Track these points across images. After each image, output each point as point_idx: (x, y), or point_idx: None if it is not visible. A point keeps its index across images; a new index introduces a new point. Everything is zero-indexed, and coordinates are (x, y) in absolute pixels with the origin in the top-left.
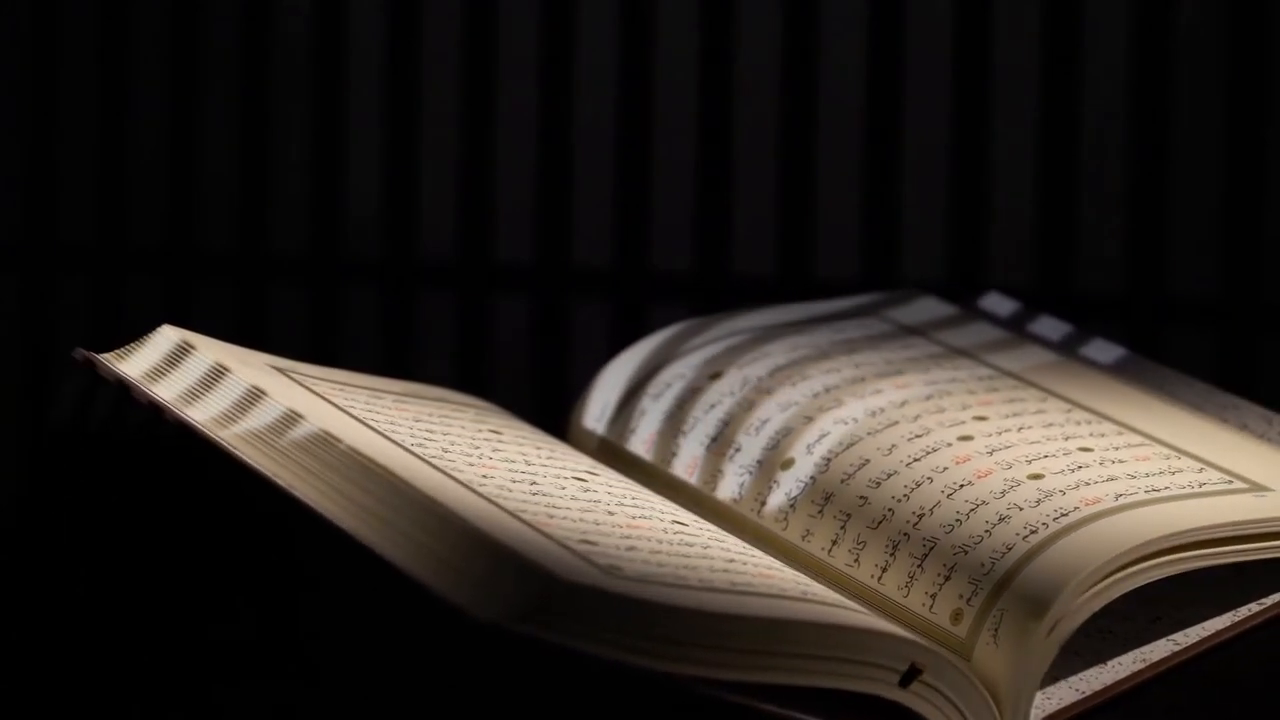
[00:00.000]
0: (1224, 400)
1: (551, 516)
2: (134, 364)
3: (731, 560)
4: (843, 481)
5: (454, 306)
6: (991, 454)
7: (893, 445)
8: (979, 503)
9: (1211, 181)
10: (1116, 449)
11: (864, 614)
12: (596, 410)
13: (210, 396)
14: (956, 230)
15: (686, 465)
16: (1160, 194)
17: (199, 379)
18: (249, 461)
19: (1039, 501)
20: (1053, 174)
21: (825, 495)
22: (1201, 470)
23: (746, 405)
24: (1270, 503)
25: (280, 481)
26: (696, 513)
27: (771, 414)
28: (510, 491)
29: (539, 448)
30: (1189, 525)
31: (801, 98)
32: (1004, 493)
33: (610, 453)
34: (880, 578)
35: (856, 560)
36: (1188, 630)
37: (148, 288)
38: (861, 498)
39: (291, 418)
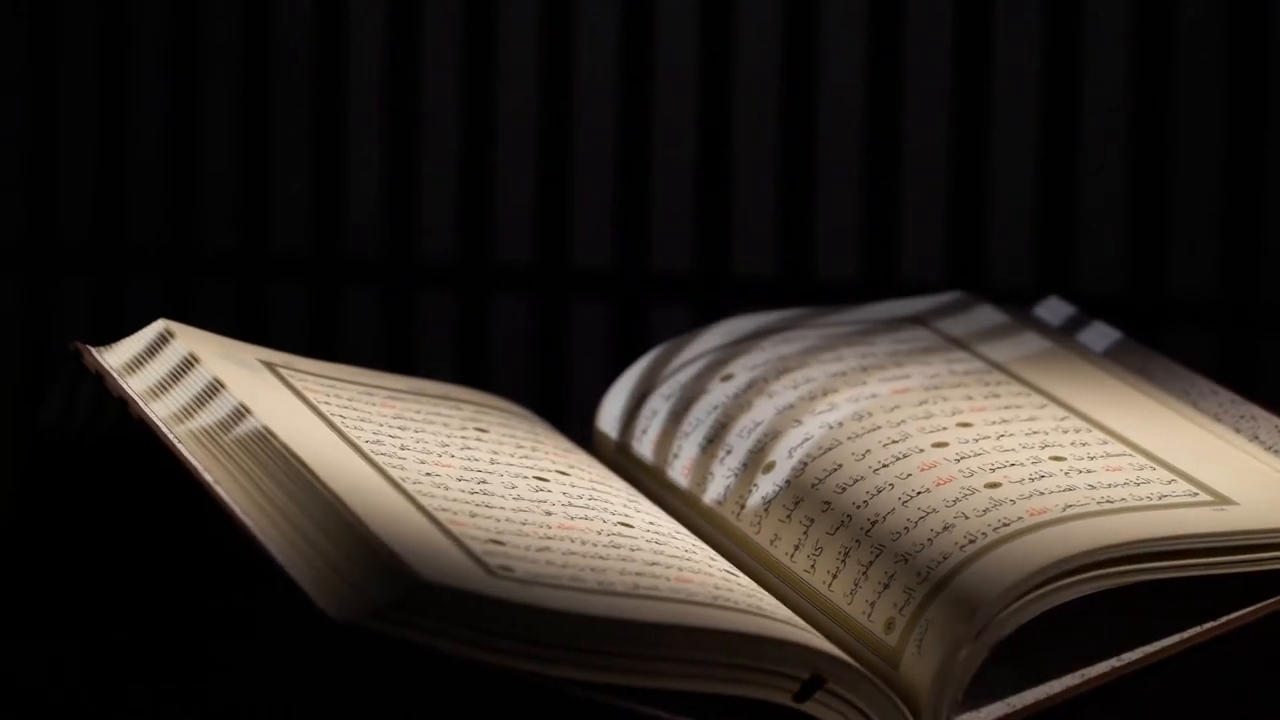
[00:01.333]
0: (1243, 410)
1: (474, 516)
2: (119, 355)
3: (654, 563)
4: (813, 486)
5: (454, 306)
6: (958, 461)
7: (867, 450)
8: (929, 511)
9: (1211, 181)
10: (1091, 459)
11: (772, 621)
12: (614, 412)
13: (176, 389)
14: (956, 230)
15: (684, 467)
16: (1160, 194)
17: (171, 371)
18: (184, 454)
19: (986, 511)
20: (1053, 174)
21: (796, 499)
22: (1171, 482)
23: (745, 406)
24: (1227, 517)
25: (207, 476)
26: (684, 515)
27: (765, 416)
28: (446, 490)
29: (520, 446)
30: (1121, 539)
31: (801, 98)
32: (955, 501)
33: (625, 454)
34: (830, 584)
35: (813, 566)
36: (1146, 648)
37: (148, 288)
38: (826, 503)
39: (240, 412)
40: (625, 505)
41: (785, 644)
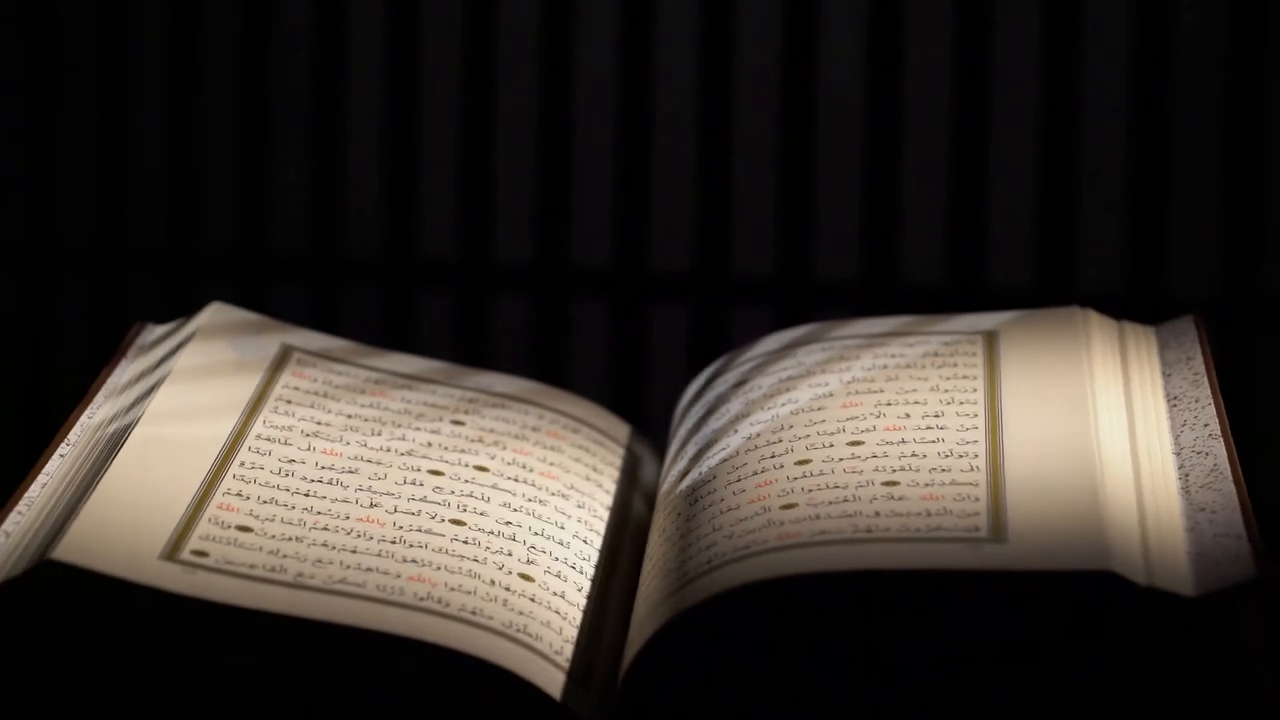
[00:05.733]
0: (1211, 446)
1: (265, 503)
2: (152, 335)
3: (411, 561)
4: (684, 496)
5: (454, 306)
6: (796, 480)
7: (743, 464)
8: (716, 529)
9: (1211, 182)
10: (926, 485)
11: (464, 628)
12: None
13: (134, 368)
14: (956, 230)
15: (666, 466)
16: (1160, 194)
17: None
18: (61, 436)
19: (751, 532)
20: (1053, 174)
21: (671, 508)
22: (973, 515)
23: (721, 412)
24: (972, 554)
25: (58, 455)
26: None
27: (722, 421)
28: (282, 478)
29: (478, 441)
30: (801, 569)
31: (801, 98)
32: (741, 521)
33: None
34: (639, 595)
35: (643, 575)
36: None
37: (148, 288)
38: (678, 514)
39: (145, 396)
40: (502, 506)
41: (440, 649)
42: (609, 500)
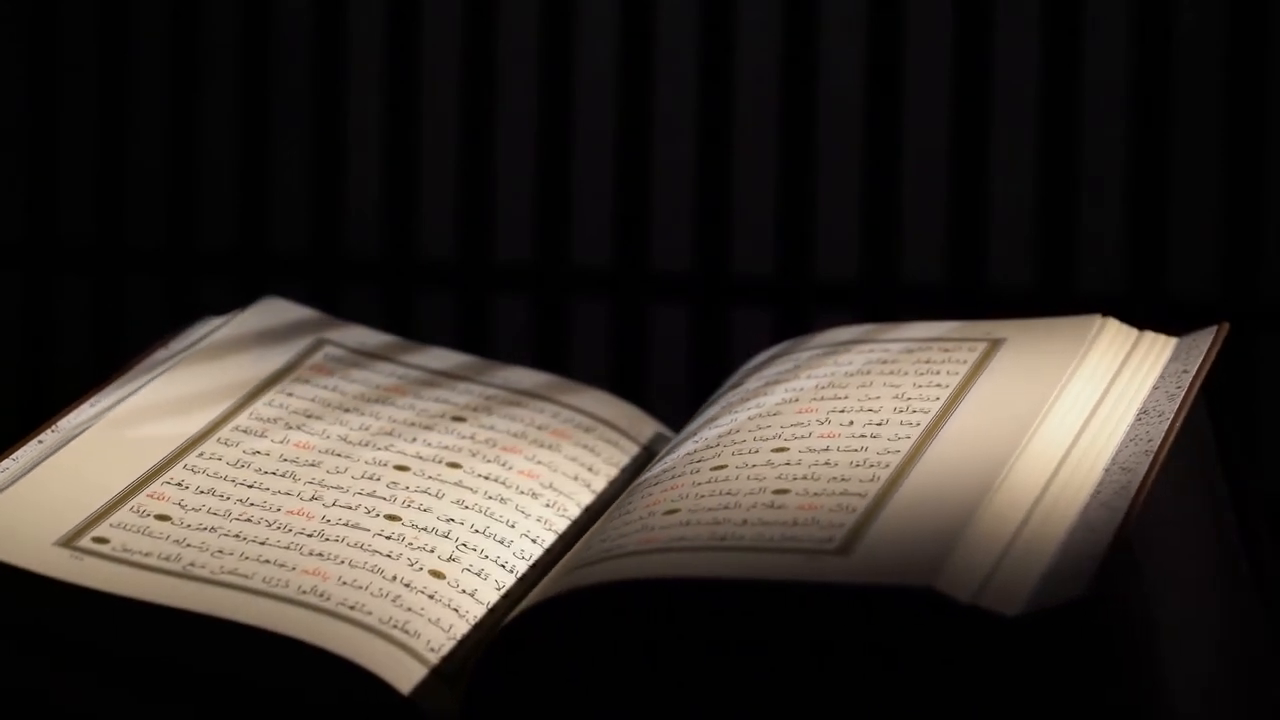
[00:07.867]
0: (1136, 463)
1: (200, 494)
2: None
3: (317, 554)
4: (620, 502)
5: (454, 306)
6: (699, 485)
7: (669, 468)
8: (599, 530)
9: (1211, 182)
10: (815, 495)
11: (349, 627)
12: None
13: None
14: (956, 230)
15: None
16: (1160, 194)
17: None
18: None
19: (624, 535)
20: (1053, 174)
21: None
22: (838, 526)
23: (701, 417)
24: (804, 566)
25: (47, 435)
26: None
27: (694, 426)
28: (236, 470)
29: (469, 439)
30: (634, 575)
31: (801, 98)
32: (629, 523)
33: None
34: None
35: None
36: None
37: (148, 288)
38: (606, 516)
39: (132, 391)
40: (453, 504)
41: (306, 646)
42: (589, 500)
